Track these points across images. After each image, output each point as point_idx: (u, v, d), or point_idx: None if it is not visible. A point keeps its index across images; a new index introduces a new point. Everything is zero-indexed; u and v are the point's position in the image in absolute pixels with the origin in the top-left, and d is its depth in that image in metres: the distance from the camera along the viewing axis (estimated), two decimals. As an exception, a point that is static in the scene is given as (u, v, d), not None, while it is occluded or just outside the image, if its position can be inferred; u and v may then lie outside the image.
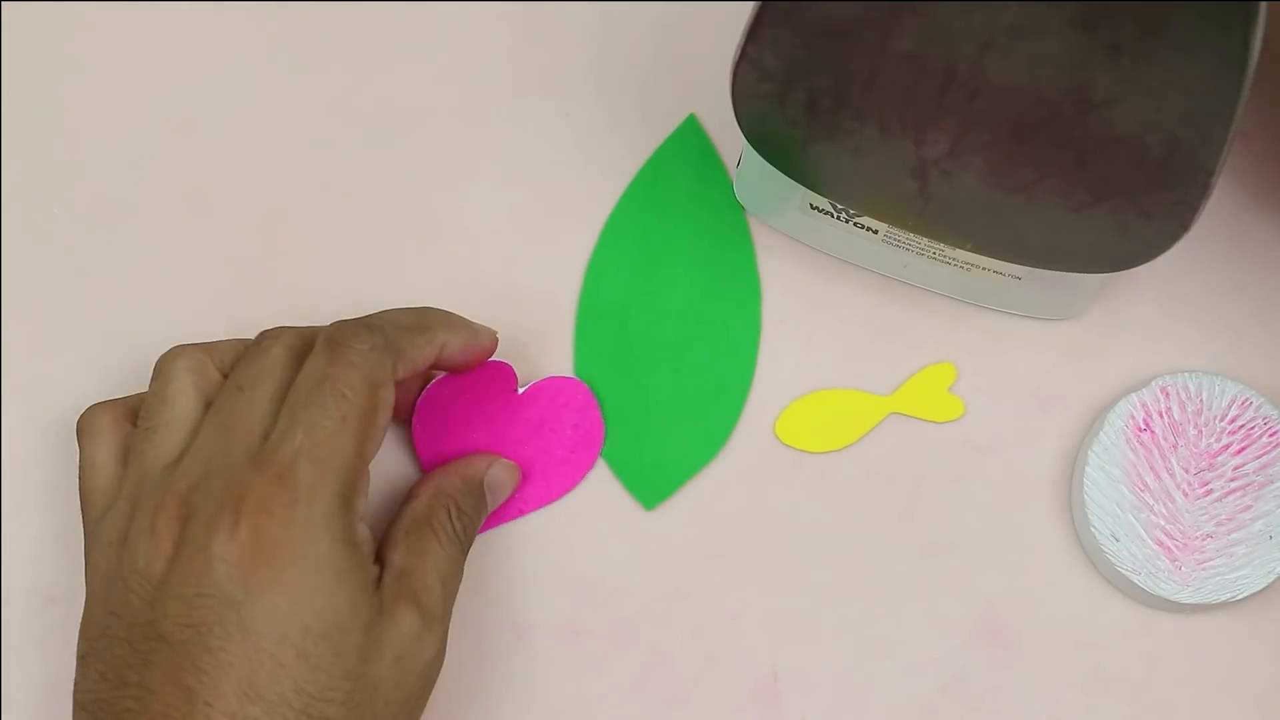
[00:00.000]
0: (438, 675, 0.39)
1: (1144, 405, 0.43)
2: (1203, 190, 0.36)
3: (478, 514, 0.41)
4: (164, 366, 0.40)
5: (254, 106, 0.49)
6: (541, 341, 0.46)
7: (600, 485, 0.45)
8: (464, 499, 0.41)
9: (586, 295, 0.46)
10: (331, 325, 0.39)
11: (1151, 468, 0.43)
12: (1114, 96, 0.34)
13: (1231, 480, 0.42)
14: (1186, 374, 0.44)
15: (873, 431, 0.45)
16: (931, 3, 0.33)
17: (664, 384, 0.45)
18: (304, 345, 0.39)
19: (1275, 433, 0.43)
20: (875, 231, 0.43)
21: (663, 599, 0.44)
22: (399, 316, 0.40)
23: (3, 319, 0.46)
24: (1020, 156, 0.37)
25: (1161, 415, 0.43)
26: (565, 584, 0.44)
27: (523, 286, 0.47)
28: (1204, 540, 0.42)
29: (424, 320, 0.40)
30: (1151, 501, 0.42)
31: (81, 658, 0.37)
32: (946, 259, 0.43)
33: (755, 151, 0.41)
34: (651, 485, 0.45)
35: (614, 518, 0.45)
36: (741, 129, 0.40)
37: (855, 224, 0.43)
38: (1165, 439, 0.43)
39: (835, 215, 0.43)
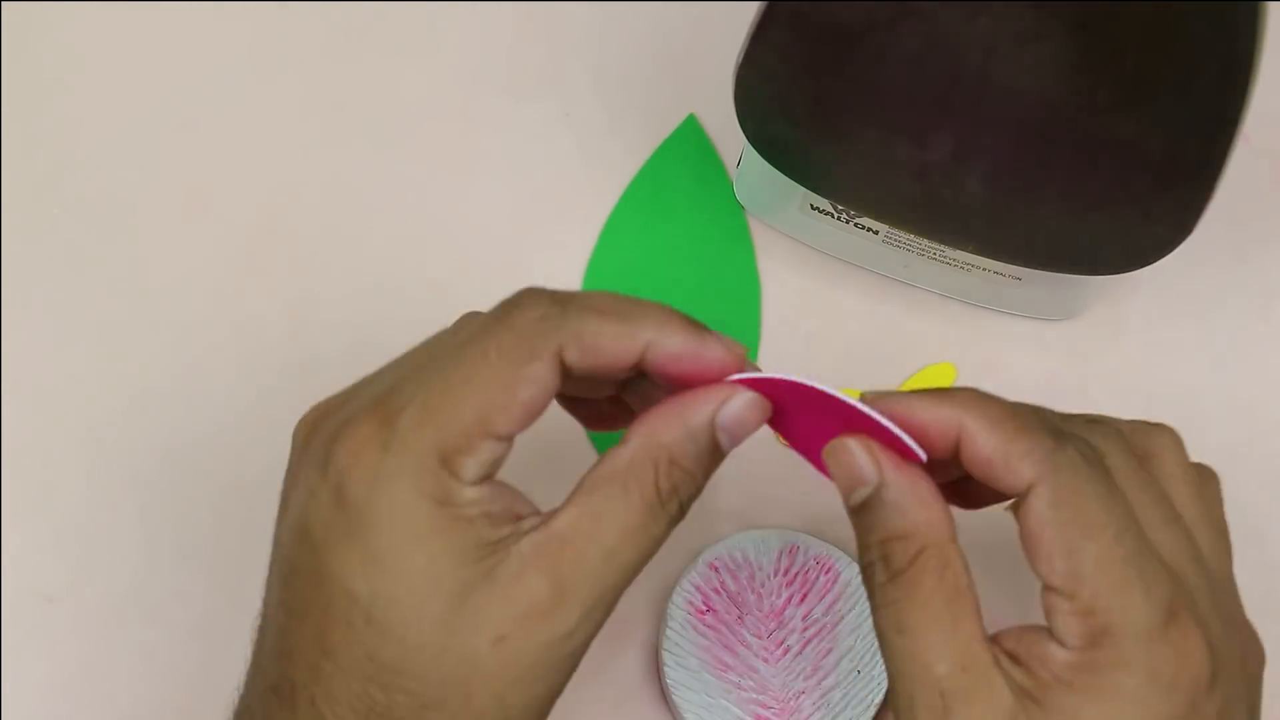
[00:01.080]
0: (575, 663, 0.33)
1: (698, 587, 0.42)
2: (1207, 193, 0.36)
3: (701, 469, 0.33)
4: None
5: (254, 106, 0.49)
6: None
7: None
8: (683, 450, 0.33)
9: (586, 295, 0.46)
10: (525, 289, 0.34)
11: (726, 646, 0.41)
12: (1118, 101, 0.34)
13: (805, 630, 0.41)
14: (728, 541, 0.42)
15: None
16: (935, 4, 0.33)
17: (663, 385, 0.45)
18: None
19: (829, 569, 0.42)
20: (875, 232, 0.43)
21: (661, 600, 0.44)
22: (598, 298, 0.33)
23: (3, 319, 0.46)
24: (1023, 160, 0.37)
25: (718, 591, 0.42)
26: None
27: (522, 287, 0.47)
28: (799, 698, 0.41)
29: (627, 310, 0.33)
30: (737, 679, 0.41)
31: None
32: (947, 259, 0.43)
33: (756, 153, 0.41)
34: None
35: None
36: (743, 130, 0.40)
37: (856, 224, 0.43)
38: (729, 613, 0.42)
39: (836, 216, 0.43)
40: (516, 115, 0.49)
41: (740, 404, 0.33)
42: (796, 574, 0.42)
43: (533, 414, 0.32)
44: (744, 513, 0.44)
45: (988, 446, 0.32)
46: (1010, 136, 0.36)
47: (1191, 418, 0.43)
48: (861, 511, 0.33)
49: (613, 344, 0.32)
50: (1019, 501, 0.32)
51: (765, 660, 0.41)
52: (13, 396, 0.46)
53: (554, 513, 0.32)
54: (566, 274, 0.47)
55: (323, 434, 0.33)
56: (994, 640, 0.31)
